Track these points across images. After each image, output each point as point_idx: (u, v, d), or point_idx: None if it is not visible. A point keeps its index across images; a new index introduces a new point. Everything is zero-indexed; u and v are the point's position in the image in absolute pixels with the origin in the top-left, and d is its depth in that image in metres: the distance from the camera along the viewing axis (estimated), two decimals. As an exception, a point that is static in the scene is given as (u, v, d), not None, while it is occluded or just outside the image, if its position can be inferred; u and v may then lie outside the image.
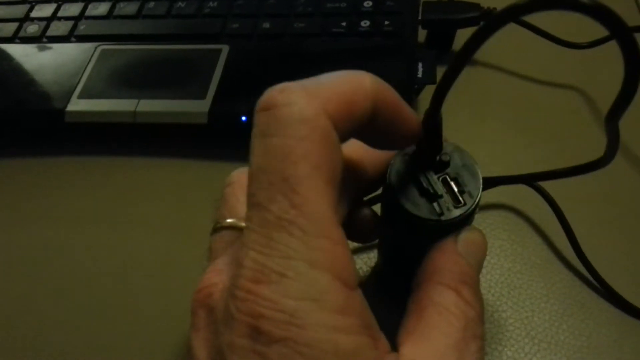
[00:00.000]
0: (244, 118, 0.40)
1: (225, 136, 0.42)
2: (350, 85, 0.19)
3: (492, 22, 0.18)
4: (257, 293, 0.17)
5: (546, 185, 0.36)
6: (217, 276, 0.20)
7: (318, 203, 0.18)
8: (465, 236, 0.23)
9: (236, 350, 0.17)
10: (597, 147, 0.41)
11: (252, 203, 0.18)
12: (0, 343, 0.34)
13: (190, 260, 0.37)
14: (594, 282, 0.35)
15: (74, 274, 0.37)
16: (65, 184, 0.42)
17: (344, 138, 0.20)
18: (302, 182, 0.18)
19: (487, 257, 0.35)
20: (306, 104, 0.18)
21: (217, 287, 0.20)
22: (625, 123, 0.20)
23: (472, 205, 0.23)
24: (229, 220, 0.24)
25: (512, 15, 0.17)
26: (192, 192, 0.41)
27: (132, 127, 0.42)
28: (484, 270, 0.36)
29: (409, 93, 0.41)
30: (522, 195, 0.38)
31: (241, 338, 0.17)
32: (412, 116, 0.22)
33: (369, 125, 0.20)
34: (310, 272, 0.17)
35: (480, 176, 0.24)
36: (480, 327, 0.21)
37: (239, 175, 0.26)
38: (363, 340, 0.18)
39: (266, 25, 0.46)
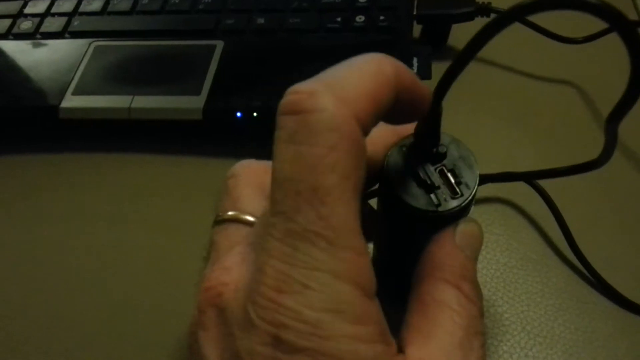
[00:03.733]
0: (239, 114, 0.40)
1: (221, 132, 0.42)
2: (375, 79, 0.19)
3: (504, 16, 0.18)
4: (279, 302, 0.17)
5: (541, 180, 0.37)
6: (226, 275, 0.20)
7: (345, 214, 0.18)
8: (463, 228, 0.23)
9: (256, 357, 0.17)
10: (592, 141, 0.41)
11: (277, 211, 0.18)
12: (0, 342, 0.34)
13: (187, 256, 0.37)
14: (589, 276, 0.35)
15: (69, 272, 0.37)
16: (60, 180, 0.42)
17: (368, 132, 0.19)
18: (330, 192, 0.17)
19: (483, 252, 0.36)
20: (336, 110, 0.17)
21: (228, 287, 0.20)
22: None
23: (469, 196, 0.23)
24: (230, 213, 0.24)
25: (522, 11, 0.17)
26: (187, 188, 0.41)
27: (126, 124, 0.42)
28: (479, 265, 0.35)
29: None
30: (517, 191, 0.38)
31: (261, 346, 0.17)
32: (427, 90, 0.21)
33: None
34: (334, 284, 0.17)
35: (477, 167, 0.24)
36: (481, 323, 0.21)
37: (243, 168, 0.26)
38: (380, 348, 0.18)
39: (261, 20, 0.46)
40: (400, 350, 0.20)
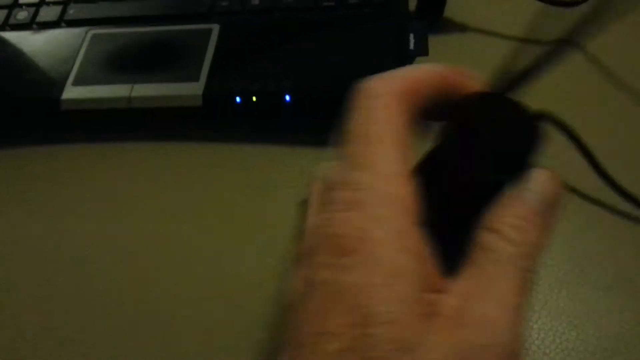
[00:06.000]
0: (238, 99, 0.40)
1: (221, 117, 0.42)
2: (418, 73, 0.24)
3: None
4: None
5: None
6: None
7: (391, 142, 0.21)
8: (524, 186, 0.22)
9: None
10: (602, 98, 0.40)
11: (341, 154, 0.21)
12: (7, 336, 0.35)
13: (192, 242, 0.37)
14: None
15: (74, 262, 0.37)
16: (64, 172, 0.42)
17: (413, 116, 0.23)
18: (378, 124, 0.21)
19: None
20: (378, 84, 0.22)
21: None
22: None
23: None
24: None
25: None
26: (190, 175, 0.41)
27: (128, 113, 0.42)
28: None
29: (402, 65, 0.40)
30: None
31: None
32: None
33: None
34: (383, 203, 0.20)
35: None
36: (523, 260, 0.21)
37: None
38: (414, 262, 0.19)
39: (255, 1, 0.45)
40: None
